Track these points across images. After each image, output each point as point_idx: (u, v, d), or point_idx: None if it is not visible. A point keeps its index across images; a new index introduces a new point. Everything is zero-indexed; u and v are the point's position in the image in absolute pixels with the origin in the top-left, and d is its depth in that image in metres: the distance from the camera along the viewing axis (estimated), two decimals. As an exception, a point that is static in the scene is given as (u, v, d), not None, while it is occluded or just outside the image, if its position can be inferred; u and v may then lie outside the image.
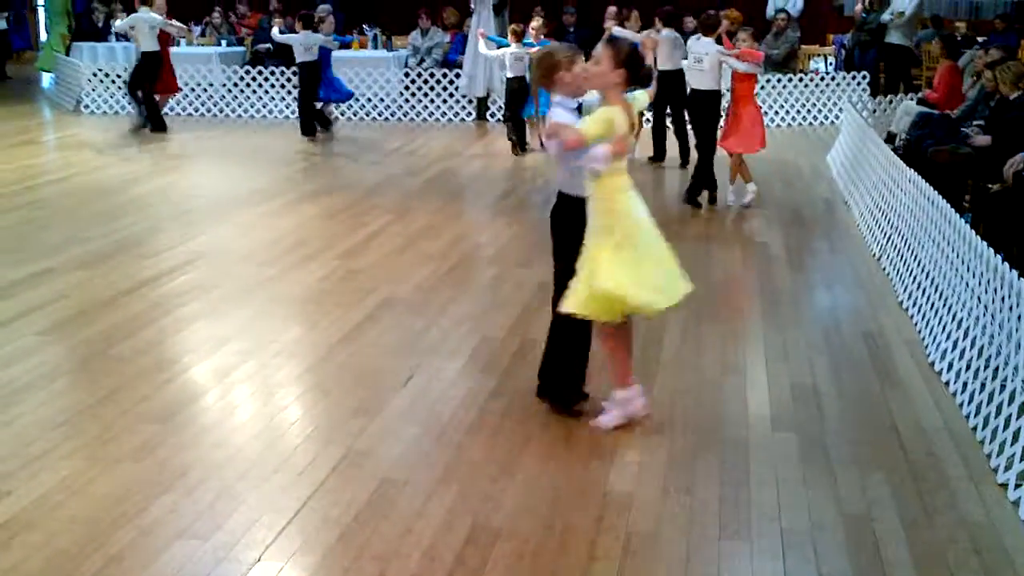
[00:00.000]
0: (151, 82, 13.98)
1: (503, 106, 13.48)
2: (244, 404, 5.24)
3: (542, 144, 5.05)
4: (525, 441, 4.79)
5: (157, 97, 14.21)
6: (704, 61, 9.67)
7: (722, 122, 9.91)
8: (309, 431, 4.92)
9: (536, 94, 5.11)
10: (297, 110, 14.15)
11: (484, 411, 5.13)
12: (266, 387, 5.45)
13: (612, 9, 16.89)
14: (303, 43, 13.54)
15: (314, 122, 13.92)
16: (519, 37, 12.60)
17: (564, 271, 4.87)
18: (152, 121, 13.97)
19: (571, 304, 4.70)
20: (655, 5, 12.48)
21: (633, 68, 4.73)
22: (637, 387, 4.99)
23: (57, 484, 4.32)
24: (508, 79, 12.74)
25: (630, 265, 4.67)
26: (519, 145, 12.80)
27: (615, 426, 4.90)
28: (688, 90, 10.18)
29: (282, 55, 16.82)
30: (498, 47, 12.98)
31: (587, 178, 4.69)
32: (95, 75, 16.20)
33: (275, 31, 14.18)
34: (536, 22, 13.03)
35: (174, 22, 14.21)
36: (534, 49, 12.26)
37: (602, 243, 4.68)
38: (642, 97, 5.04)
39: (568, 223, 4.89)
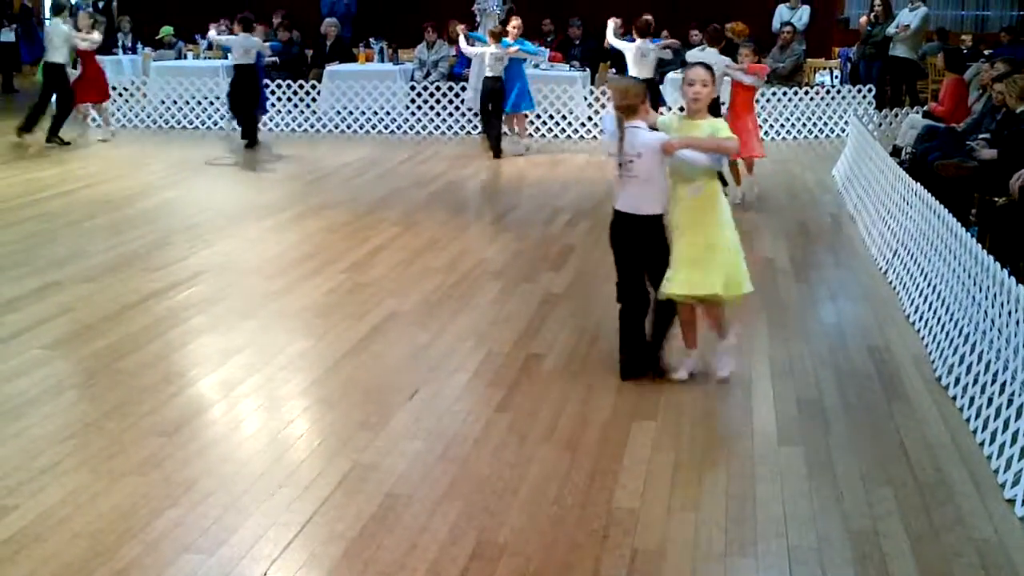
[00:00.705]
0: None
1: (479, 105, 13.70)
2: (250, 417, 5.24)
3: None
4: (530, 456, 4.79)
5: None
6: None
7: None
8: (315, 445, 4.92)
9: (620, 122, 5.45)
10: (233, 115, 14.40)
11: (489, 425, 5.12)
12: (272, 400, 5.45)
13: (615, 21, 16.97)
14: (242, 45, 13.78)
15: (256, 129, 14.12)
16: (497, 38, 13.17)
17: (655, 274, 5.55)
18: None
19: (672, 288, 5.49)
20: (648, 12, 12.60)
21: None
22: (733, 335, 5.89)
23: (63, 498, 4.32)
24: (486, 78, 13.12)
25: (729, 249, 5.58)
26: (495, 149, 13.19)
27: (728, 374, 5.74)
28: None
29: (288, 67, 16.90)
30: (475, 43, 13.60)
31: (690, 179, 5.45)
32: (102, 88, 16.22)
33: (212, 33, 14.43)
34: (515, 21, 13.58)
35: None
36: (512, 48, 13.13)
37: (728, 230, 5.57)
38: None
39: (654, 233, 5.53)
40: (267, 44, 14.37)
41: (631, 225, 5.53)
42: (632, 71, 11.82)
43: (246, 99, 13.96)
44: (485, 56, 13.17)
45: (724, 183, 9.68)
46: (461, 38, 14.00)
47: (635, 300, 5.67)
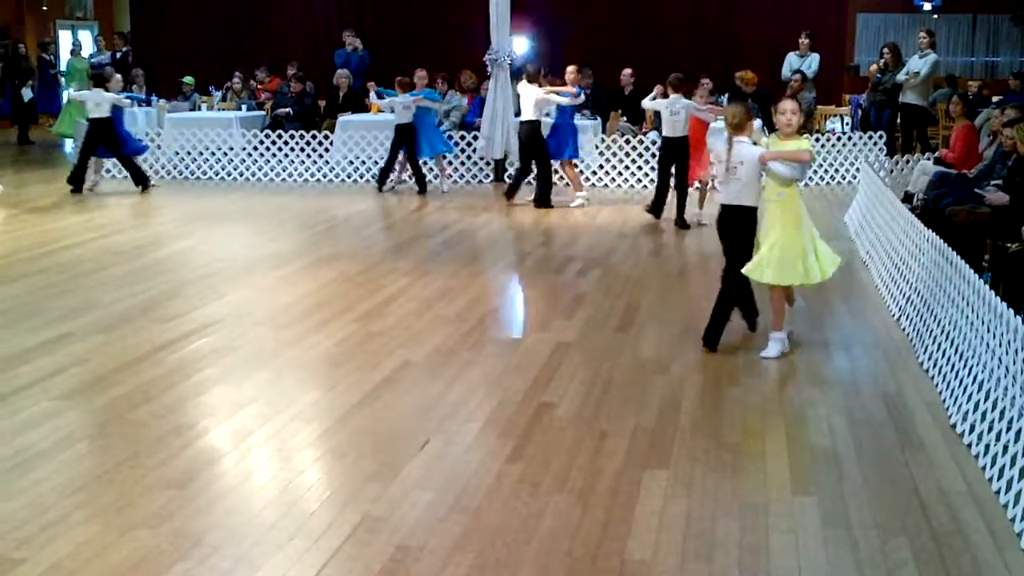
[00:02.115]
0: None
1: (390, 152, 14.95)
2: (261, 469, 5.22)
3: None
4: (542, 507, 4.75)
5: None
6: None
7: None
8: (326, 496, 4.89)
9: (730, 138, 6.96)
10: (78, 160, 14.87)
11: (501, 476, 5.10)
12: (283, 451, 5.43)
13: (628, 71, 17.08)
14: (93, 99, 14.42)
15: (82, 176, 14.62)
16: (406, 88, 14.53)
17: (742, 257, 7.03)
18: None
19: (754, 270, 6.98)
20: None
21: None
22: (785, 332, 7.14)
23: (72, 551, 4.30)
24: (398, 126, 14.50)
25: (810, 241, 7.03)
26: (379, 182, 14.77)
27: (777, 356, 6.99)
28: (662, 138, 12.44)
29: (301, 119, 17.04)
30: (384, 97, 14.88)
31: (778, 184, 6.92)
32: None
33: (72, 92, 14.81)
34: (420, 72, 14.73)
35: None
36: (418, 98, 14.33)
37: (803, 230, 6.97)
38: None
39: (747, 224, 7.06)
40: (123, 95, 15.08)
41: (732, 214, 7.06)
42: (666, 131, 12.26)
43: (106, 148, 14.66)
44: (395, 106, 14.51)
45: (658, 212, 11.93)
46: (372, 95, 15.39)
47: (736, 284, 7.15)
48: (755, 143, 7.06)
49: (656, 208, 12.46)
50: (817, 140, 15.43)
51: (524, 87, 13.49)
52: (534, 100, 13.34)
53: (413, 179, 14.87)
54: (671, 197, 12.25)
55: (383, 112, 16.72)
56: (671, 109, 12.09)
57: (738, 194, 7.00)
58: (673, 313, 8.19)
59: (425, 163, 14.99)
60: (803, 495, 4.89)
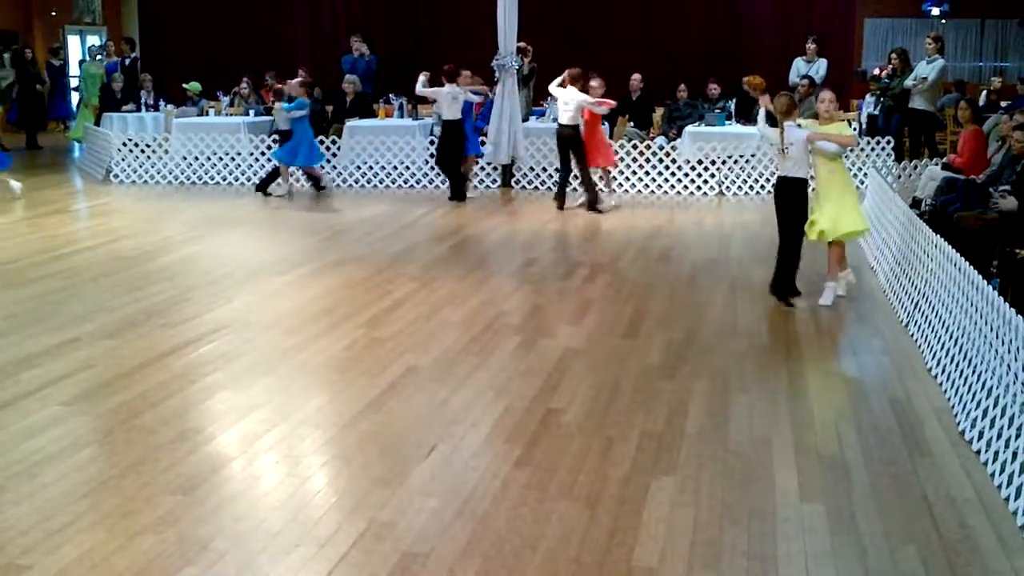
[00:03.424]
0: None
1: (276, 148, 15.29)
2: (267, 474, 5.21)
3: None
4: (549, 513, 4.74)
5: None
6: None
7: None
8: (332, 502, 4.89)
9: (780, 122, 8.48)
10: None
11: (507, 482, 5.08)
12: (289, 457, 5.43)
13: (637, 77, 17.09)
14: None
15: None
16: (283, 98, 15.04)
17: (797, 220, 8.55)
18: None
19: (816, 230, 8.56)
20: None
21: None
22: (839, 283, 8.79)
23: (78, 557, 4.29)
24: (279, 131, 15.19)
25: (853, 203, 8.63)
26: (261, 189, 15.01)
27: (830, 303, 8.55)
28: (557, 127, 13.60)
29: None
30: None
31: (825, 159, 8.48)
32: (124, 145, 16.42)
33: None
34: (299, 77, 15.49)
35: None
36: (292, 111, 14.64)
37: (845, 191, 8.59)
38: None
39: (800, 193, 8.53)
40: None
41: (787, 185, 8.53)
42: (560, 119, 13.59)
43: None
44: (276, 113, 15.17)
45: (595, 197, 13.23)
46: (278, 105, 15.56)
47: (793, 243, 8.58)
48: (799, 126, 8.51)
49: (559, 197, 13.67)
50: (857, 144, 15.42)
51: (565, 91, 13.45)
52: (575, 103, 13.35)
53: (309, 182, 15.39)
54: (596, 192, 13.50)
55: (391, 117, 16.78)
56: (564, 99, 13.31)
57: (791, 168, 8.48)
58: (681, 319, 8.17)
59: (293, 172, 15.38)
60: (811, 502, 4.87)
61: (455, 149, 14.58)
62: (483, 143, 15.33)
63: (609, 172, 14.22)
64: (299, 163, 14.96)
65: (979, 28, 24.55)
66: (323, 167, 15.66)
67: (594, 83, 13.60)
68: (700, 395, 6.35)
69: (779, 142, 8.44)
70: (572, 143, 13.41)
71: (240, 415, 6.00)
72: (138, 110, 18.60)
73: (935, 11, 24.14)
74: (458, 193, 14.54)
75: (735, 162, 14.98)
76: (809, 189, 8.57)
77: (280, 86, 15.29)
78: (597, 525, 4.62)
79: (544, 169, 15.45)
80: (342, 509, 4.80)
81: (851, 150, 15.18)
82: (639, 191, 15.16)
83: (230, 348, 7.33)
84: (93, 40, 25.63)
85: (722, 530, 4.60)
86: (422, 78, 14.82)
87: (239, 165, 16.15)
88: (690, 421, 5.92)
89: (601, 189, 13.80)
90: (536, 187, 15.40)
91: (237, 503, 4.87)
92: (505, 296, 9.10)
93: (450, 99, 14.31)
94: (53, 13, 25.53)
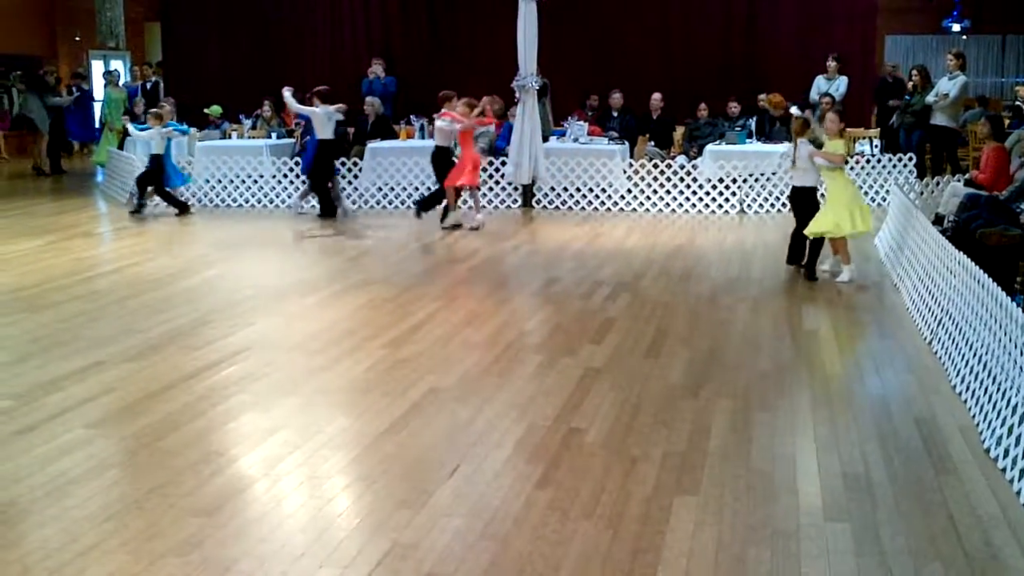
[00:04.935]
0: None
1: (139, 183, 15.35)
2: (290, 496, 5.22)
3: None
4: (571, 533, 4.73)
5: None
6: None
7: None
8: (355, 523, 4.89)
9: (795, 138, 10.43)
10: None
11: (530, 502, 5.08)
12: (312, 478, 5.44)
13: (657, 96, 17.12)
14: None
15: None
16: (160, 120, 15.20)
17: (806, 220, 10.22)
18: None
19: (817, 228, 10.09)
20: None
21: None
22: (852, 268, 10.19)
23: (103, 579, 4.31)
24: (151, 155, 15.09)
25: (852, 209, 10.06)
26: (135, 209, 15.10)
27: (849, 280, 10.04)
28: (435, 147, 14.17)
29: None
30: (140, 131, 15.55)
31: (827, 170, 10.16)
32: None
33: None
34: (167, 103, 16.33)
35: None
36: (167, 130, 15.26)
37: (843, 198, 10.06)
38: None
39: (808, 199, 10.46)
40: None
41: (798, 192, 10.51)
42: (319, 134, 14.59)
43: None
44: (153, 135, 15.04)
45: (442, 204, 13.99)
46: (130, 127, 16.01)
47: (800, 234, 10.41)
48: (812, 141, 10.23)
49: (429, 207, 14.24)
50: (847, 162, 15.38)
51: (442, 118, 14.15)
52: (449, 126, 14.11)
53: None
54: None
55: (412, 138, 16.85)
56: (440, 125, 13.92)
57: (800, 178, 10.42)
58: (703, 338, 8.15)
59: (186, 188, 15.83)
60: (835, 521, 4.84)
61: (327, 168, 14.94)
62: (489, 163, 15.66)
63: (470, 190, 14.24)
64: (176, 184, 15.46)
65: (1000, 44, 24.48)
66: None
67: (460, 106, 14.07)
68: (723, 414, 6.33)
69: (792, 155, 10.40)
70: (437, 161, 14.10)
71: (263, 437, 6.02)
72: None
73: (956, 27, 24.08)
74: (328, 210, 14.89)
75: (756, 180, 14.95)
76: (819, 195, 10.56)
77: (324, 88, 15.19)
78: (620, 545, 4.61)
79: (565, 189, 15.48)
80: (365, 530, 4.80)
81: (859, 164, 15.31)
82: (660, 210, 15.15)
83: (253, 370, 7.36)
84: (116, 65, 25.87)
85: (746, 549, 4.57)
86: (287, 92, 15.22)
87: (261, 188, 16.23)
88: (713, 440, 5.90)
89: (470, 207, 14.34)
90: (557, 207, 15.42)
91: (260, 525, 4.88)
92: (526, 315, 9.11)
93: (324, 119, 14.67)
94: (77, 38, 25.79)
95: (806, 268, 10.26)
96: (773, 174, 14.92)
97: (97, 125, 22.51)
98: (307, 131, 17.70)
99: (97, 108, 23.87)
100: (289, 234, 13.74)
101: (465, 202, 14.51)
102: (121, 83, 23.47)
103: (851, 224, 9.89)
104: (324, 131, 14.72)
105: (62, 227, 14.04)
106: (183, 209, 15.22)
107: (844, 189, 10.04)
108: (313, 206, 15.26)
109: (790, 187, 10.87)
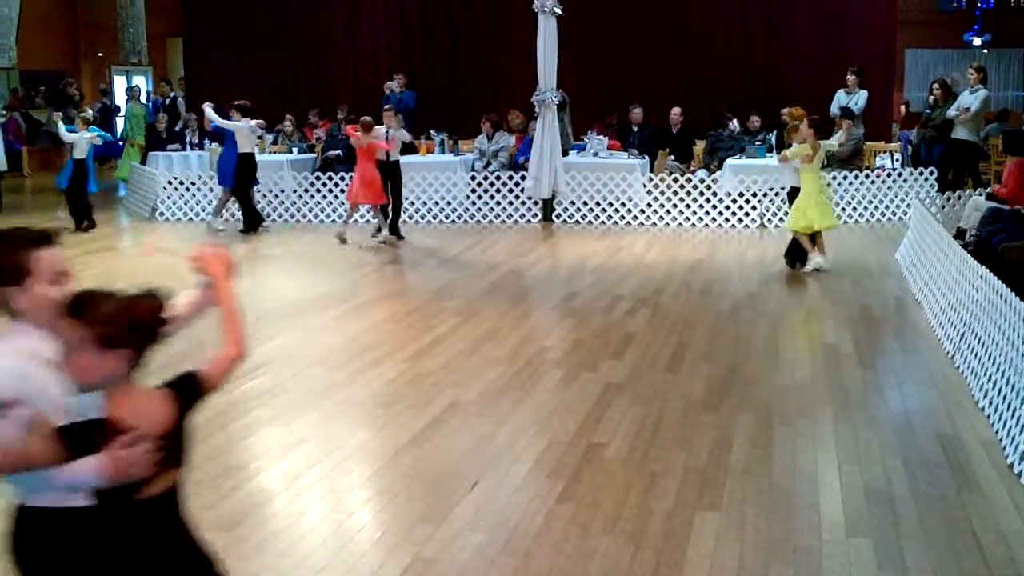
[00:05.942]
0: None
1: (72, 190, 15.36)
2: (311, 510, 5.24)
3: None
4: (592, 549, 4.73)
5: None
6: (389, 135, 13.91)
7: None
8: (376, 537, 4.90)
9: (787, 144, 11.81)
10: None
11: (551, 517, 5.08)
12: (333, 492, 5.45)
13: (676, 110, 17.10)
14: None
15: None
16: (88, 124, 15.44)
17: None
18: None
19: (792, 226, 11.34)
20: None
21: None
22: (820, 259, 11.20)
23: (125, 593, 4.32)
24: (75, 160, 15.11)
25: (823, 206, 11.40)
26: (76, 222, 14.95)
27: (810, 270, 11.16)
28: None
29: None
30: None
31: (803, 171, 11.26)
32: (170, 183, 16.62)
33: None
34: (86, 111, 16.50)
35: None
36: (92, 135, 15.41)
37: (814, 196, 11.23)
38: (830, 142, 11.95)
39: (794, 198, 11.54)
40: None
41: (796, 192, 11.43)
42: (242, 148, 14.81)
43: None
44: (77, 140, 15.18)
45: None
46: (60, 126, 15.96)
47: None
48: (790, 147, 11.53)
49: (390, 226, 14.14)
50: (867, 176, 15.36)
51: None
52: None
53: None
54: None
55: (432, 153, 16.90)
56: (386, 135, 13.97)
57: (790, 179, 11.81)
58: (723, 353, 8.14)
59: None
60: (857, 537, 4.83)
61: (248, 181, 15.17)
62: (509, 178, 15.61)
63: (371, 207, 14.37)
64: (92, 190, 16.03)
65: (1021, 58, 24.38)
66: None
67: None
68: (744, 429, 6.32)
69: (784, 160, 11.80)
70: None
71: (284, 451, 6.04)
72: (183, 149, 18.89)
73: (977, 41, 24.00)
74: (251, 224, 15.13)
75: (776, 194, 14.92)
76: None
77: (244, 103, 15.49)
78: (641, 561, 4.60)
79: (585, 203, 15.48)
80: (386, 544, 4.81)
81: (879, 178, 15.29)
82: (680, 224, 15.14)
83: (274, 384, 7.38)
84: (138, 80, 26.03)
85: (767, 565, 4.56)
86: (208, 107, 15.59)
87: (283, 202, 16.29)
88: (734, 455, 5.89)
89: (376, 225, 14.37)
90: (577, 221, 15.42)
91: (281, 539, 4.90)
92: (547, 330, 9.11)
93: (248, 132, 14.96)
94: (100, 54, 25.97)
95: (788, 256, 11.55)
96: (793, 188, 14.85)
97: (119, 140, 22.61)
98: (328, 147, 17.81)
99: (120, 123, 24.03)
100: (312, 249, 13.79)
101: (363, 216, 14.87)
102: (143, 99, 23.62)
103: (820, 220, 11.18)
104: (246, 145, 15.03)
105: (83, 242, 14.11)
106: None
107: (815, 186, 11.23)
108: (226, 220, 15.56)
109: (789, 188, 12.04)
